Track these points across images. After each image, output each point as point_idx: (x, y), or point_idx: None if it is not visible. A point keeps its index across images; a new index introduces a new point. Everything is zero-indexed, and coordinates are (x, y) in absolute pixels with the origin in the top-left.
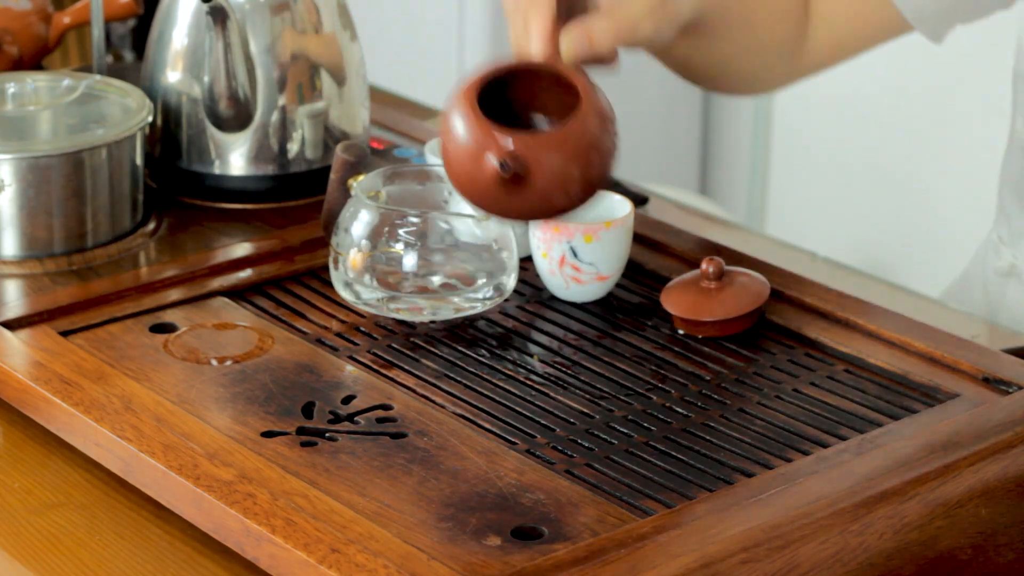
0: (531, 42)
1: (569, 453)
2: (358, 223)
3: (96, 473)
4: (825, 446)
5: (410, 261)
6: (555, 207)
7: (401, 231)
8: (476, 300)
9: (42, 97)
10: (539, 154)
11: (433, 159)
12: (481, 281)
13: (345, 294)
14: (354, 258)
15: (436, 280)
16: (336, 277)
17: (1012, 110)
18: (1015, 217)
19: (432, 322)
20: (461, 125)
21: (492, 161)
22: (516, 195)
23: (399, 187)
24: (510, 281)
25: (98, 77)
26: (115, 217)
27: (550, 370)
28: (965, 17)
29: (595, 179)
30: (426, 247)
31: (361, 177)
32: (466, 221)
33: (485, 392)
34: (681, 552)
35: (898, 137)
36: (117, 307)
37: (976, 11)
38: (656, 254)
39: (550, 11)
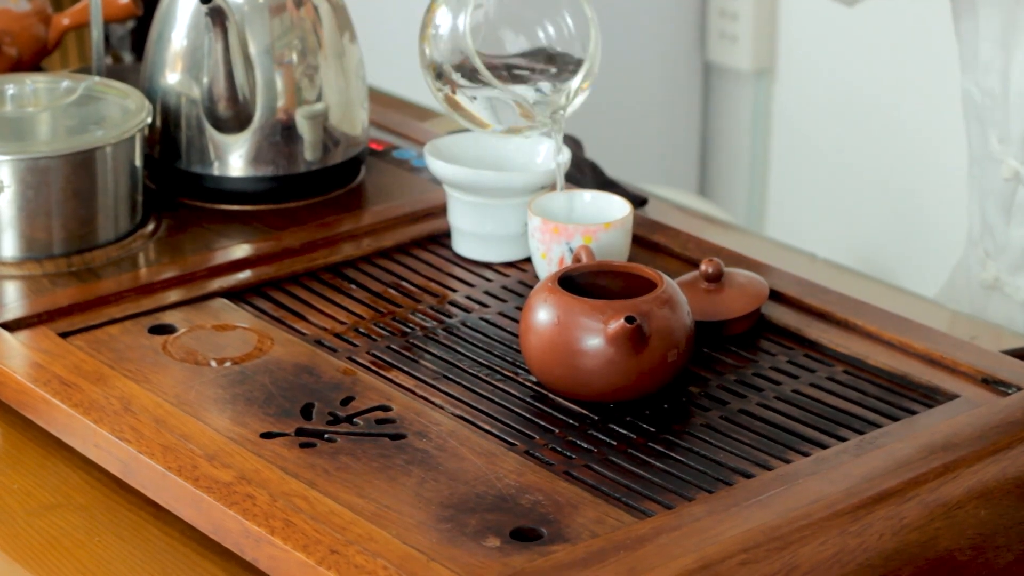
0: None
1: (568, 454)
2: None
3: (95, 474)
4: (824, 447)
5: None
6: (668, 363)
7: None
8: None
9: (41, 98)
10: (651, 309)
11: (432, 162)
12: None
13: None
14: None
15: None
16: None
17: (981, 127)
18: (999, 231)
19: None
20: (564, 310)
21: (615, 322)
22: (637, 355)
23: None
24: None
25: (97, 78)
26: (114, 218)
27: None
28: None
29: (692, 334)
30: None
31: None
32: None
33: (484, 393)
34: (680, 553)
35: (898, 139)
36: (116, 308)
37: None
38: (655, 255)
39: None
